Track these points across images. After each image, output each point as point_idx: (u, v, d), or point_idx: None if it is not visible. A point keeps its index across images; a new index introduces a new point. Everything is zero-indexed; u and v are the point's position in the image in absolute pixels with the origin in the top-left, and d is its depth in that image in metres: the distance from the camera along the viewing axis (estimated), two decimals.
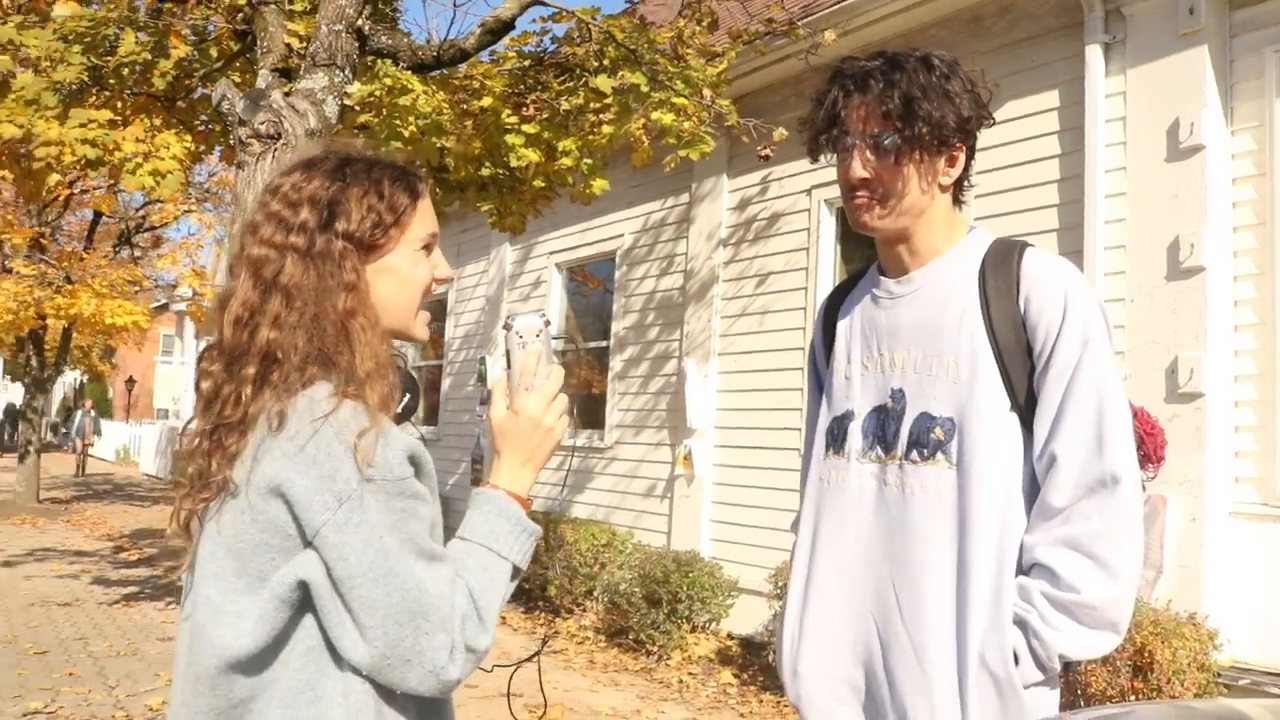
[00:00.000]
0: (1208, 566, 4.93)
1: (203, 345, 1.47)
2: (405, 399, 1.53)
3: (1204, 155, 5.13)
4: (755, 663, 6.99)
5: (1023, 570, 1.73)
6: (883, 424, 1.87)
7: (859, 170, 1.80)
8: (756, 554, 7.37)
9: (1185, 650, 4.46)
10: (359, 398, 1.36)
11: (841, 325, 2.00)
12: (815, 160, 1.93)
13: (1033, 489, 1.76)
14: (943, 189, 1.85)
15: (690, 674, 6.91)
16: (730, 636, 7.48)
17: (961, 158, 1.84)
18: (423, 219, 1.51)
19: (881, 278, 1.94)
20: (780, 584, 6.53)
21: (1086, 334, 1.72)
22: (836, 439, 1.94)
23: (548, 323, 1.58)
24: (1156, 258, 5.26)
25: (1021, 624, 1.69)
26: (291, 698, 1.33)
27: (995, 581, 1.71)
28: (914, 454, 1.80)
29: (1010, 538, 1.73)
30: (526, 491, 1.53)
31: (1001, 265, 1.81)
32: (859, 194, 1.83)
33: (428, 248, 1.53)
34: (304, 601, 1.33)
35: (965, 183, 1.89)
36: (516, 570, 1.45)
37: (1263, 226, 5.08)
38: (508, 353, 1.57)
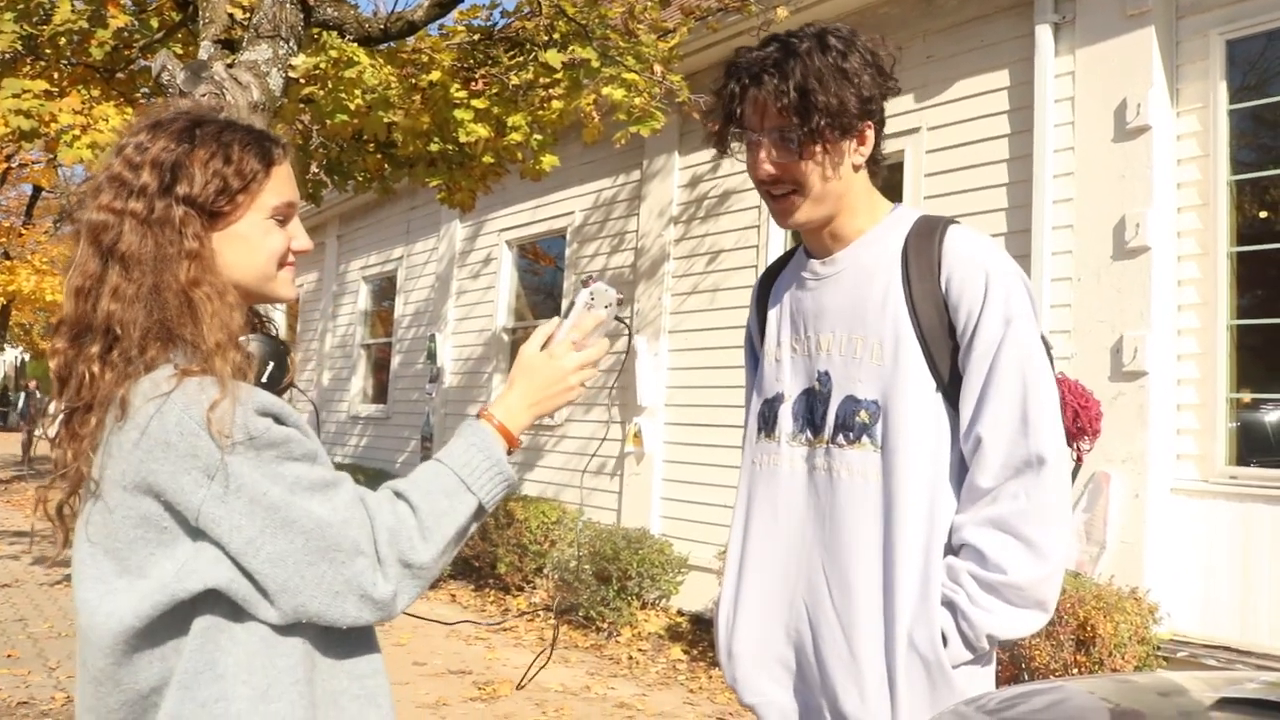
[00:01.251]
0: (1149, 542, 5.01)
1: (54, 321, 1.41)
2: (270, 368, 1.46)
3: (1150, 136, 5.18)
4: (704, 639, 7.02)
5: (952, 550, 1.72)
6: (811, 407, 1.85)
7: (766, 167, 1.77)
8: (706, 531, 7.39)
9: (1127, 624, 4.53)
10: (207, 371, 1.29)
11: (771, 308, 1.98)
12: (722, 156, 1.90)
13: (961, 469, 1.75)
14: (855, 169, 1.81)
15: (640, 650, 6.92)
16: (680, 613, 7.50)
17: (870, 134, 1.80)
18: (277, 187, 1.44)
19: (808, 259, 1.92)
20: None
21: (1009, 312, 1.70)
22: (767, 422, 1.93)
23: (620, 302, 1.62)
24: (1103, 237, 5.31)
25: (950, 605, 1.68)
26: (190, 679, 1.29)
27: (923, 563, 1.70)
28: (840, 437, 1.79)
29: (939, 519, 1.72)
30: (520, 431, 1.52)
31: (923, 244, 1.78)
32: (773, 191, 1.80)
33: (283, 218, 1.45)
34: (201, 596, 1.28)
35: (878, 156, 1.85)
36: (481, 509, 1.43)
37: (1206, 207, 5.15)
38: (571, 304, 1.59)
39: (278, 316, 1.60)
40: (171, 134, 1.39)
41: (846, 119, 1.72)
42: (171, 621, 1.29)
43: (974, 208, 5.90)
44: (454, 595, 8.66)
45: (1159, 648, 4.74)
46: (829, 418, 1.81)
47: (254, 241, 1.42)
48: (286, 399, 1.49)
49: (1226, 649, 4.70)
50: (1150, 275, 5.12)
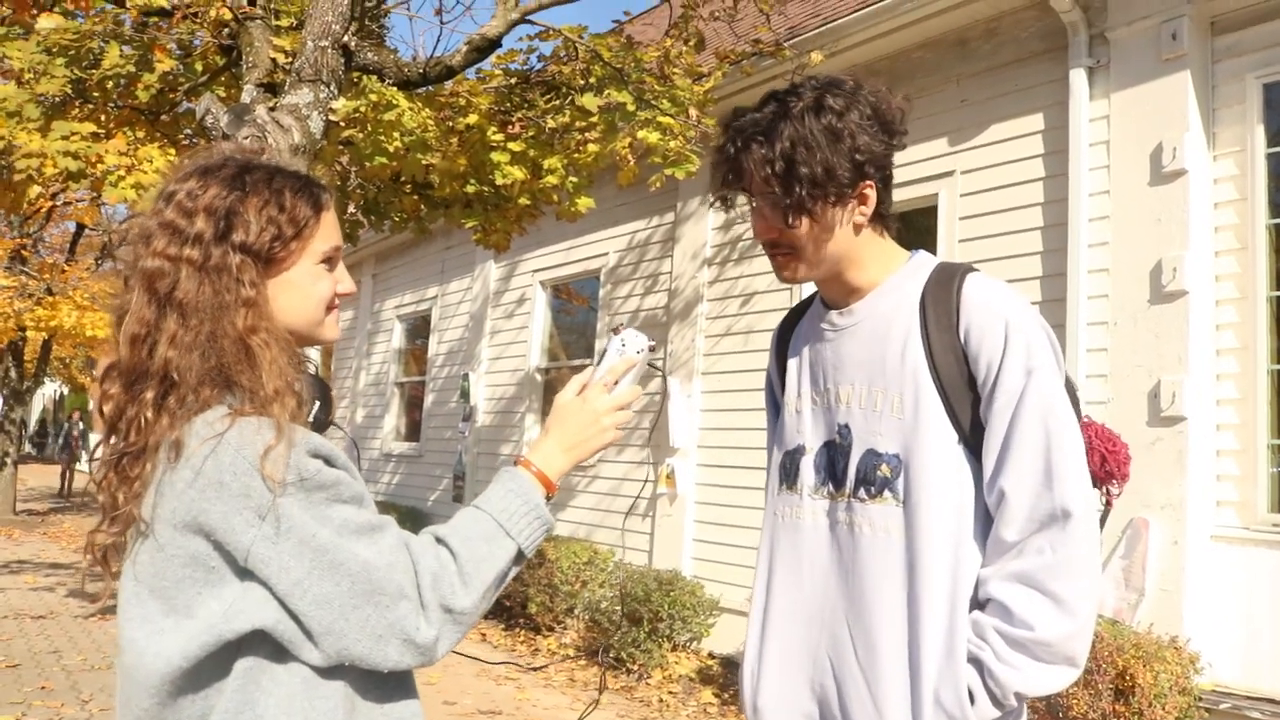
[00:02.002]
0: (1189, 590, 4.94)
1: (101, 365, 1.42)
2: (315, 407, 1.49)
3: (1186, 179, 5.16)
4: (736, 683, 6.95)
5: (978, 605, 1.69)
6: (832, 460, 1.83)
7: (761, 232, 1.78)
8: (738, 573, 7.35)
9: (1167, 674, 4.46)
10: (263, 414, 1.31)
11: (791, 358, 1.97)
12: (727, 213, 1.90)
13: (986, 522, 1.72)
14: (857, 229, 1.78)
15: (670, 693, 6.87)
16: (711, 656, 7.44)
17: (873, 194, 1.75)
18: (326, 233, 1.46)
19: (825, 309, 1.90)
20: None
21: (1030, 363, 1.67)
22: (789, 474, 1.91)
23: (653, 348, 1.66)
24: (1139, 281, 5.28)
25: (976, 662, 1.65)
26: (231, 718, 1.30)
27: (948, 619, 1.67)
28: (861, 491, 1.76)
29: (964, 573, 1.69)
30: (558, 477, 1.53)
31: (941, 294, 1.75)
32: (773, 251, 1.80)
33: (330, 261, 1.48)
34: (247, 637, 1.30)
35: (885, 212, 1.81)
36: (521, 555, 1.44)
37: (1244, 251, 5.11)
38: (604, 351, 1.64)
39: (312, 353, 1.63)
40: (222, 180, 1.40)
41: (834, 187, 1.69)
42: (216, 661, 1.30)
43: (1008, 251, 5.88)
44: (484, 635, 8.64)
45: (1200, 699, 4.65)
46: (850, 471, 1.78)
47: (305, 288, 1.44)
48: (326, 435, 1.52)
49: (1271, 701, 4.61)
50: (1188, 319, 5.08)
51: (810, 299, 2.02)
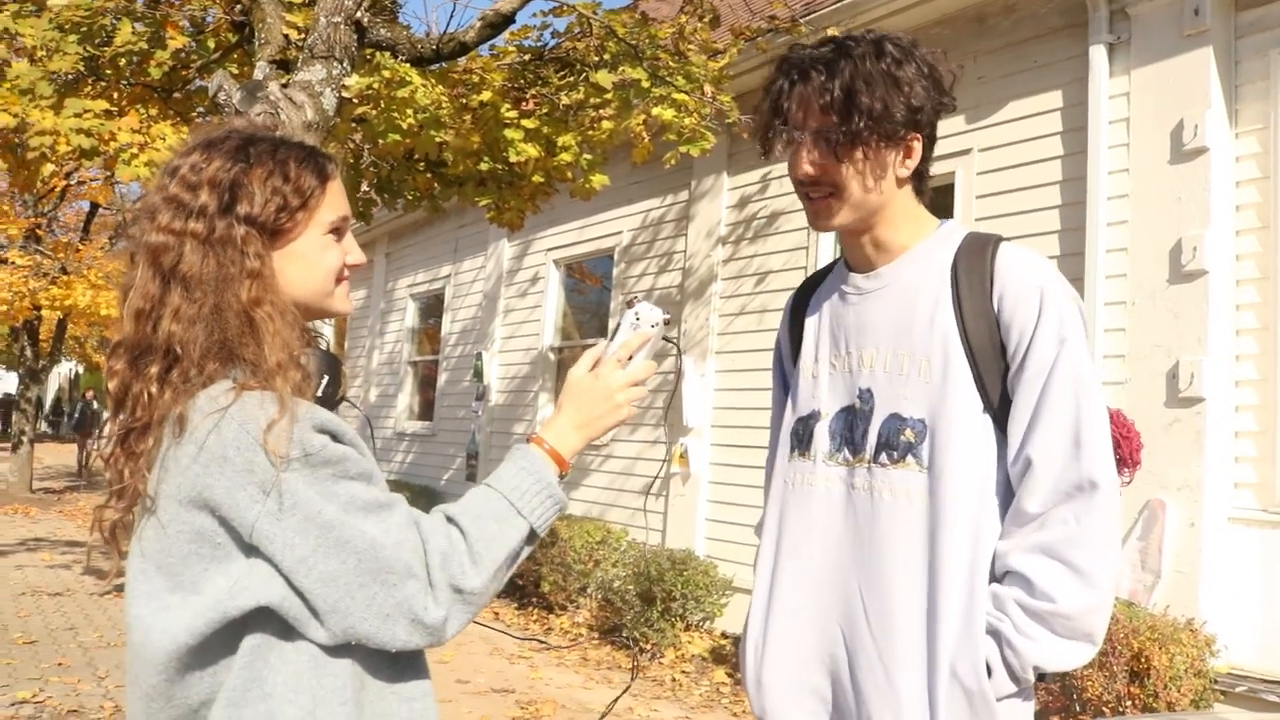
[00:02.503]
0: (1206, 572, 4.90)
1: (112, 342, 1.42)
2: (324, 382, 1.47)
3: (1207, 158, 5.09)
4: None
5: (996, 578, 1.66)
6: (850, 425, 1.79)
7: (805, 167, 1.72)
8: (751, 553, 7.31)
9: (1183, 656, 4.43)
10: (267, 388, 1.29)
11: (809, 322, 1.93)
12: (768, 157, 1.82)
13: (1007, 493, 1.69)
14: (899, 182, 1.75)
15: (683, 672, 6.88)
16: (724, 635, 7.45)
17: (918, 148, 1.73)
18: (332, 202, 1.44)
19: (849, 273, 1.86)
20: None
21: (1063, 333, 1.65)
22: (802, 440, 1.86)
23: (667, 322, 1.60)
24: (1159, 261, 5.23)
25: (995, 634, 1.62)
26: (238, 695, 1.28)
27: (968, 589, 1.64)
28: (883, 456, 1.72)
29: (983, 544, 1.66)
30: (571, 455, 1.50)
31: (975, 261, 1.73)
32: (811, 192, 1.75)
33: (338, 231, 1.46)
34: (253, 613, 1.28)
35: (925, 172, 1.79)
36: (533, 534, 1.42)
37: (1266, 230, 5.05)
38: (618, 326, 1.58)
39: (325, 329, 1.60)
40: (226, 153, 1.39)
41: (890, 125, 1.66)
42: (223, 638, 1.28)
43: (1026, 230, 5.83)
44: (497, 613, 8.66)
45: (1216, 681, 4.62)
46: (870, 436, 1.75)
47: (312, 258, 1.43)
48: (338, 412, 1.50)
49: None
50: (1208, 299, 5.02)
51: (827, 268, 1.99)
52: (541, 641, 6.37)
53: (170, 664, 1.29)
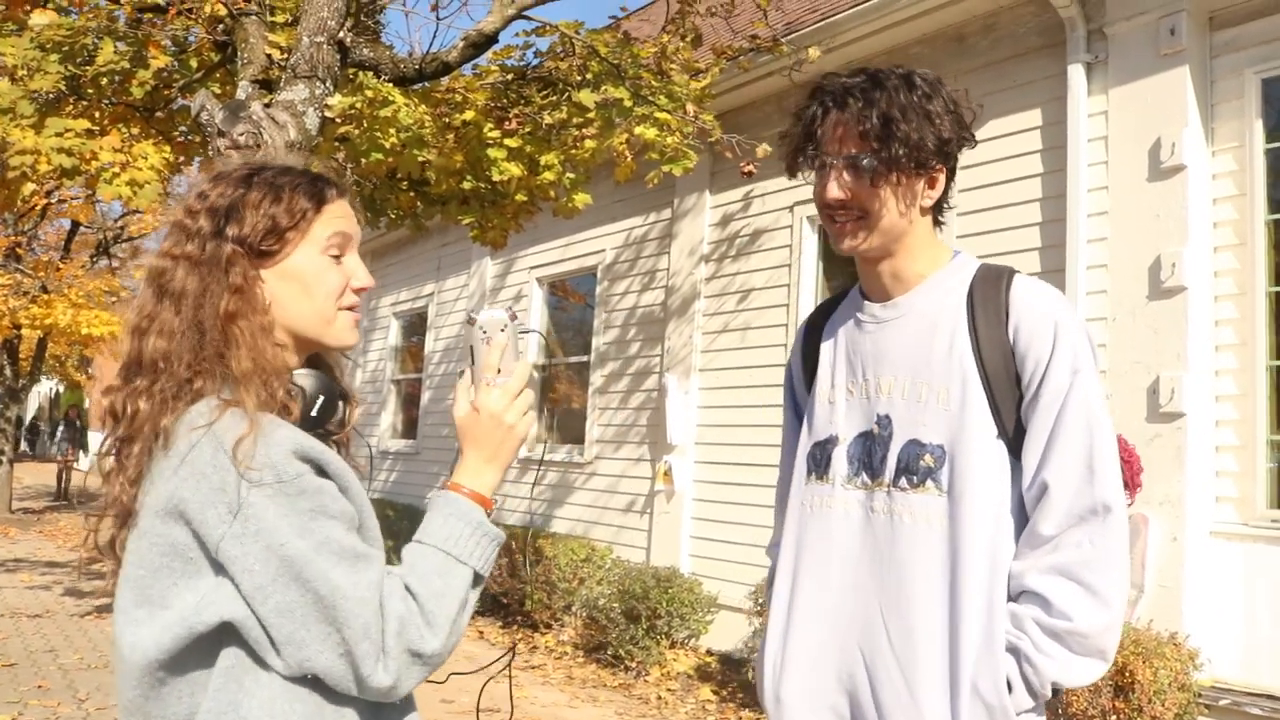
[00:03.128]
0: (1188, 586, 4.93)
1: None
2: (319, 403, 1.44)
3: (1185, 175, 5.15)
4: (734, 679, 6.95)
5: (1011, 597, 1.72)
6: (869, 450, 1.84)
7: (834, 191, 1.78)
8: (736, 570, 7.34)
9: (1166, 670, 4.45)
10: (238, 404, 1.30)
11: (825, 348, 1.98)
12: (793, 177, 1.90)
13: (1019, 516, 1.76)
14: (923, 211, 1.83)
15: (669, 690, 6.86)
16: (709, 653, 7.44)
17: (942, 179, 1.81)
18: (329, 222, 1.45)
19: (865, 301, 1.92)
20: (760, 601, 6.49)
21: (1076, 363, 1.72)
22: (819, 464, 1.91)
23: (514, 317, 1.51)
24: (1138, 277, 5.27)
25: (1014, 651, 1.68)
26: (213, 718, 1.28)
27: (987, 609, 1.69)
28: (903, 481, 1.78)
29: (1000, 565, 1.72)
30: (490, 491, 1.46)
31: (990, 292, 1.80)
32: (837, 216, 1.81)
33: (338, 251, 1.46)
34: (221, 631, 1.28)
35: (945, 204, 1.87)
36: (478, 576, 1.38)
37: (1243, 246, 5.10)
38: (471, 349, 1.50)
39: (344, 359, 1.60)
40: (230, 181, 1.43)
41: (923, 155, 1.74)
42: (197, 656, 1.28)
43: (1007, 247, 5.87)
44: (481, 632, 8.63)
45: (1200, 695, 4.65)
46: (890, 461, 1.80)
47: (307, 278, 1.43)
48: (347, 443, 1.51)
49: (1270, 697, 4.60)
50: (1187, 315, 5.07)
51: (838, 297, 2.04)
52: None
53: (143, 679, 1.29)
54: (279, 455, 1.26)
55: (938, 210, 1.86)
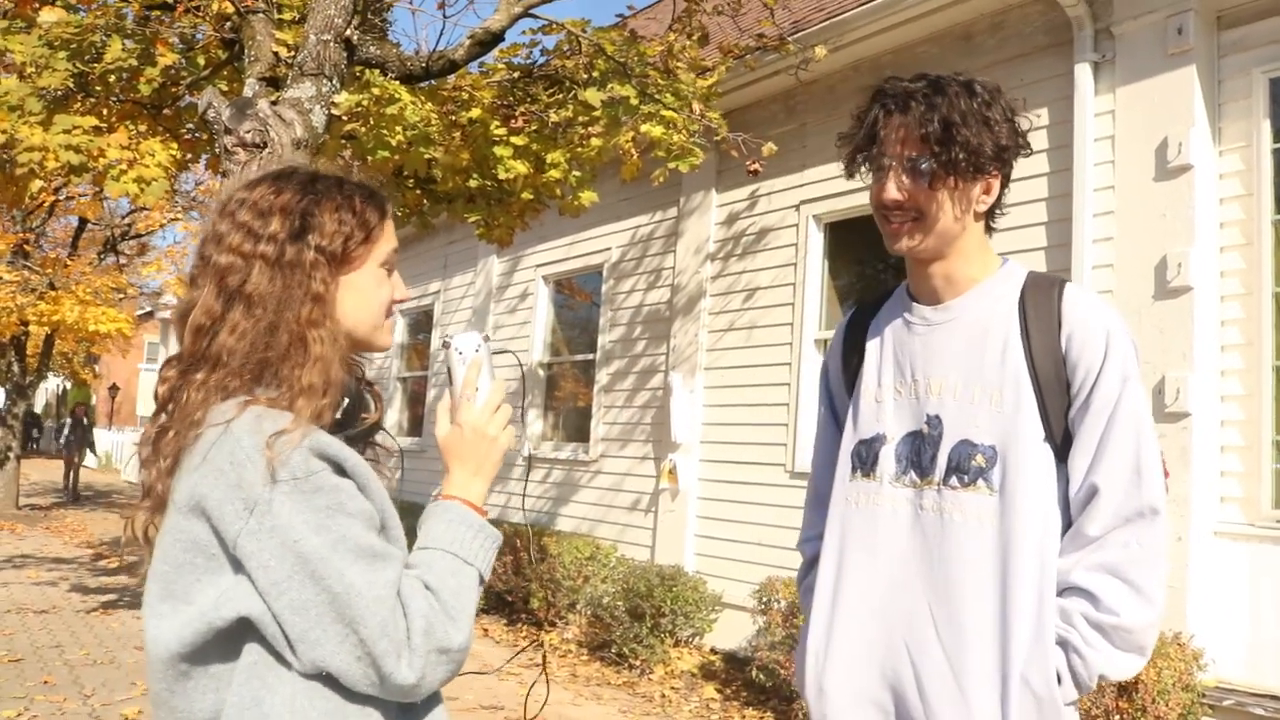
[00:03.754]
0: (1193, 586, 4.93)
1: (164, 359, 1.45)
2: (343, 404, 1.47)
3: (1192, 175, 5.14)
4: (739, 678, 6.95)
5: (1056, 593, 1.77)
6: (918, 449, 1.88)
7: (893, 192, 1.81)
8: (741, 569, 7.34)
9: (1170, 670, 4.45)
10: (278, 406, 1.32)
11: (870, 347, 2.01)
12: (851, 177, 1.94)
13: (1064, 517, 1.81)
14: (976, 217, 1.87)
15: (673, 688, 6.86)
16: (714, 651, 7.44)
17: (996, 186, 1.86)
18: (389, 238, 1.51)
19: (914, 303, 1.95)
20: (765, 599, 6.50)
21: (1125, 372, 1.78)
22: (865, 462, 1.94)
23: (487, 338, 1.61)
24: (1144, 277, 5.26)
25: (1064, 644, 1.74)
26: (236, 713, 1.29)
27: (1037, 604, 1.74)
28: (953, 480, 1.82)
29: (1048, 563, 1.77)
30: (481, 501, 1.52)
31: (1042, 300, 1.85)
32: (892, 216, 1.84)
33: (389, 268, 1.52)
34: (242, 627, 1.29)
35: (998, 211, 1.92)
36: (481, 577, 1.43)
37: (1249, 246, 5.09)
38: (449, 371, 1.59)
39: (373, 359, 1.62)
40: (296, 185, 1.45)
41: (982, 159, 1.79)
42: (220, 651, 1.29)
43: (1012, 246, 5.86)
44: (486, 630, 8.64)
45: (1204, 695, 4.64)
46: (939, 460, 1.84)
47: (368, 291, 1.48)
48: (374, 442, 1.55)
49: (1275, 697, 4.60)
50: (1193, 315, 5.06)
51: (881, 296, 2.08)
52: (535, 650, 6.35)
53: (166, 672, 1.31)
54: (296, 453, 1.28)
55: (990, 216, 1.91)
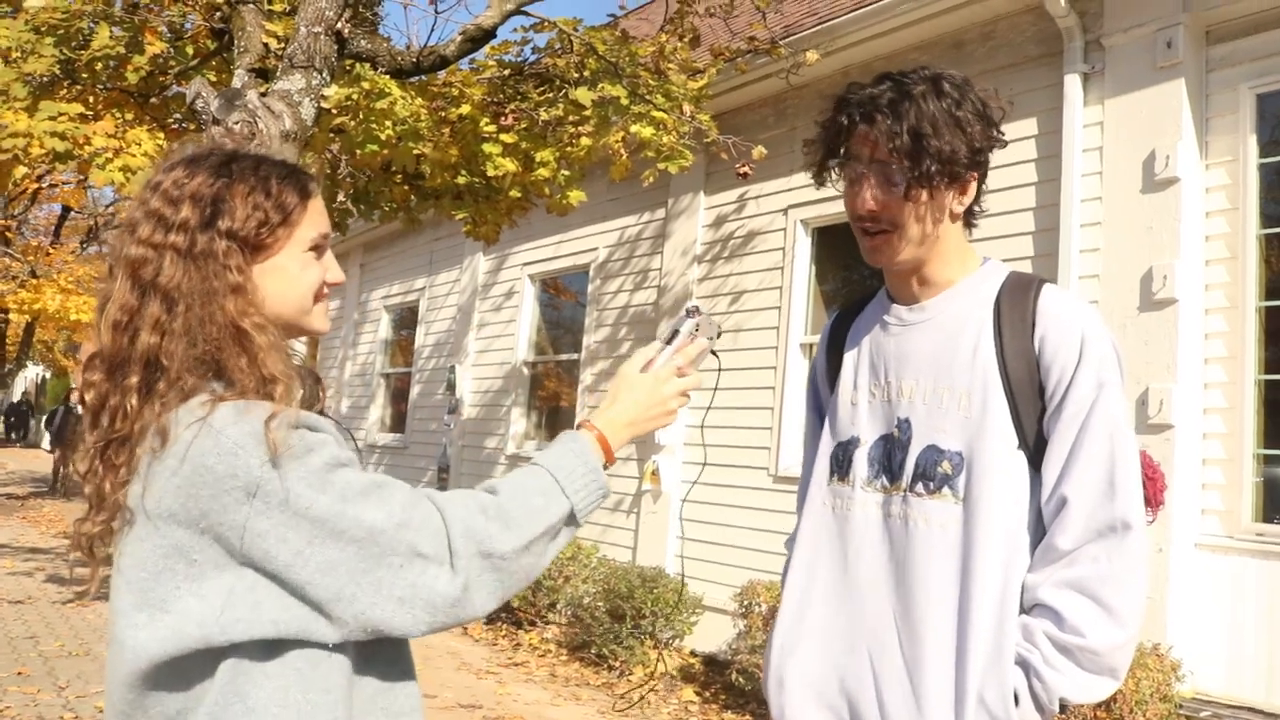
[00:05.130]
0: (1172, 598, 4.94)
1: (84, 353, 1.41)
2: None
3: (1178, 188, 5.16)
4: (718, 680, 6.95)
5: (1024, 609, 1.70)
6: (888, 453, 1.83)
7: (867, 203, 1.75)
8: (722, 572, 7.33)
9: (1149, 681, 4.46)
10: (247, 397, 1.30)
11: (849, 349, 1.96)
12: (820, 186, 1.87)
13: (1037, 528, 1.73)
14: (954, 218, 1.81)
15: (652, 690, 6.85)
16: (693, 654, 7.43)
17: (973, 186, 1.80)
18: (313, 220, 1.45)
19: (892, 304, 1.90)
20: (746, 603, 6.50)
21: (1101, 377, 1.70)
22: (841, 465, 1.90)
23: (720, 335, 1.68)
24: (1130, 288, 5.28)
25: (1024, 664, 1.66)
26: (220, 710, 1.27)
27: (998, 619, 1.67)
28: (919, 486, 1.76)
29: (1014, 576, 1.70)
30: (618, 448, 1.53)
31: (1018, 301, 1.78)
32: (868, 227, 1.78)
33: (318, 249, 1.46)
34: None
35: (976, 208, 1.85)
36: (573, 516, 1.41)
37: (1234, 260, 5.12)
38: (676, 331, 1.64)
39: (297, 345, 1.60)
40: (209, 169, 1.39)
41: (956, 167, 1.72)
42: (199, 662, 1.27)
43: (999, 255, 5.83)
44: (465, 628, 8.61)
45: (1181, 706, 4.66)
46: (908, 465, 1.78)
47: (292, 274, 1.43)
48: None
49: (1252, 710, 4.62)
50: (1177, 327, 5.08)
51: (864, 299, 2.02)
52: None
53: (140, 683, 1.28)
54: (283, 432, 1.27)
55: (970, 214, 1.85)
